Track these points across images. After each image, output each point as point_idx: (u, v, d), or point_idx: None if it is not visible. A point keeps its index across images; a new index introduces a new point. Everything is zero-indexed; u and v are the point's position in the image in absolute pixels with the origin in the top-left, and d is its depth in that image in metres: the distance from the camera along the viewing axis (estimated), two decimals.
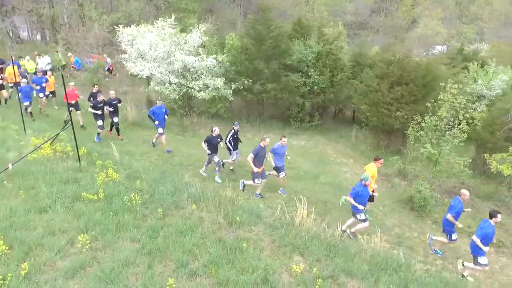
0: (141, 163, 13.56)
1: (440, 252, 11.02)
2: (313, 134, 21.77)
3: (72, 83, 18.46)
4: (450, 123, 14.08)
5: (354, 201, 10.57)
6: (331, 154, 18.74)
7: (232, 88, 20.93)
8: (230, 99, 21.17)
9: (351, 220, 11.14)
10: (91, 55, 29.78)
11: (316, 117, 22.80)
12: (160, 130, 15.94)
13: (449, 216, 10.54)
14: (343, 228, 10.67)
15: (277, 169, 13.26)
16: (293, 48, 22.51)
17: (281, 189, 13.31)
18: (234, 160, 14.62)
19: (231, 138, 14.40)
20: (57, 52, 29.15)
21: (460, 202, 10.56)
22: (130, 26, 22.91)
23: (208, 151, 13.72)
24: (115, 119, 17.10)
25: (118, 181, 10.59)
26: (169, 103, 21.30)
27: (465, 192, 10.63)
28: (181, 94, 20.54)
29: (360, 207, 10.48)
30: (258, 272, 7.93)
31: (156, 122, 15.80)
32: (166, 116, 16.25)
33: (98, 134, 16.39)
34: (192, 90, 20.24)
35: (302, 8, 51.90)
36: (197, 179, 12.14)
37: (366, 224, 10.78)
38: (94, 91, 18.05)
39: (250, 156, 12.44)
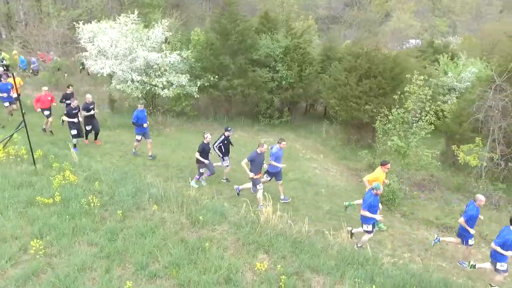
0: (101, 164, 13.44)
1: (466, 264, 10.60)
2: (283, 131, 21.94)
3: (45, 88, 17.63)
4: (417, 115, 14.43)
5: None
6: (300, 150, 18.95)
7: (198, 85, 20.92)
8: (195, 96, 21.14)
9: (359, 230, 10.96)
10: (38, 54, 29.23)
11: (286, 113, 22.99)
12: (139, 137, 15.34)
13: (460, 220, 10.38)
14: (359, 244, 10.54)
15: (276, 175, 12.99)
16: (260, 42, 22.64)
17: (282, 196, 13.04)
18: (228, 166, 14.28)
19: (220, 144, 14.07)
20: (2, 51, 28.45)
21: (475, 208, 10.23)
22: (91, 23, 22.64)
23: (206, 160, 13.23)
24: (88, 127, 16.18)
25: (76, 184, 10.49)
26: (131, 101, 21.15)
27: (480, 197, 10.27)
28: (144, 92, 20.42)
29: (378, 217, 10.32)
30: (221, 272, 8.00)
31: (145, 125, 15.13)
32: (147, 122, 15.63)
33: (75, 145, 15.40)
34: (156, 87, 20.14)
35: (273, 2, 52.14)
36: (160, 179, 12.12)
37: (371, 235, 10.67)
38: (68, 92, 17.52)
39: (244, 161, 12.17)
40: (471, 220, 10.22)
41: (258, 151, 12.22)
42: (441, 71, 28.43)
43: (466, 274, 10.43)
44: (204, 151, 13.26)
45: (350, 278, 8.32)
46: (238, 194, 12.86)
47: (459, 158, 15.31)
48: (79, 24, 22.35)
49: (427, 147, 15.99)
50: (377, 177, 11.52)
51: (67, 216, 8.78)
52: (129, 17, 21.65)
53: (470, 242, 10.52)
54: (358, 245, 10.48)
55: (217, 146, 14.04)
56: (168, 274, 7.82)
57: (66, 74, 28.12)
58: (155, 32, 21.03)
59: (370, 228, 10.49)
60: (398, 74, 18.62)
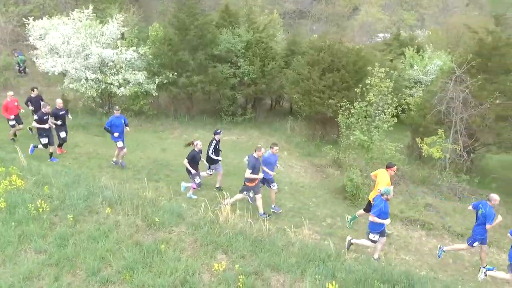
0: (52, 168, 13.20)
1: (491, 267, 10.56)
2: (247, 128, 22.01)
3: (10, 93, 16.85)
4: (380, 108, 14.71)
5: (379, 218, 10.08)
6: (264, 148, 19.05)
7: (156, 82, 20.76)
8: (154, 94, 20.98)
9: (365, 242, 10.71)
10: None
11: (249, 110, 23.06)
12: (120, 144, 14.61)
13: (487, 226, 10.25)
14: (376, 257, 10.42)
15: (268, 182, 12.72)
16: (221, 37, 22.61)
17: (273, 205, 12.83)
18: (210, 175, 13.75)
19: (213, 150, 13.37)
20: None
21: (492, 208, 10.26)
22: (42, 19, 22.16)
23: (193, 170, 12.67)
24: (62, 134, 15.45)
25: (23, 189, 10.31)
26: (86, 101, 20.83)
27: (494, 196, 10.33)
28: (99, 91, 20.14)
29: (387, 221, 10.08)
30: (177, 274, 8.01)
31: (116, 134, 14.41)
32: (127, 128, 15.01)
33: (51, 154, 14.79)
34: (112, 86, 19.89)
35: None
36: (115, 181, 12.01)
37: (383, 241, 10.49)
38: (33, 95, 16.84)
39: (249, 172, 11.80)
40: (490, 221, 10.24)
41: (256, 156, 12.01)
42: (407, 64, 29.04)
43: (429, 266, 10.72)
44: (194, 159, 12.74)
45: (310, 275, 8.45)
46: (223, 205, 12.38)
47: (423, 151, 15.70)
48: (28, 20, 21.86)
49: (394, 141, 16.34)
50: (388, 182, 11.28)
51: (13, 223, 8.62)
52: (83, 12, 21.30)
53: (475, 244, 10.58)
54: (375, 258, 10.32)
55: (212, 153, 13.32)
56: (121, 278, 7.78)
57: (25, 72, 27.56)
58: (109, 28, 20.75)
59: (376, 238, 10.29)
60: (362, 67, 18.92)
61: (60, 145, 15.72)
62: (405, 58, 29.65)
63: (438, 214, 13.52)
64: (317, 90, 19.13)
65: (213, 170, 13.62)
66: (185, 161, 12.67)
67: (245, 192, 12.08)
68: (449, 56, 27.79)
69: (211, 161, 13.41)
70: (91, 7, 21.76)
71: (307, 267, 8.82)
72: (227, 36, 22.73)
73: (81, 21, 20.82)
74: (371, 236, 10.31)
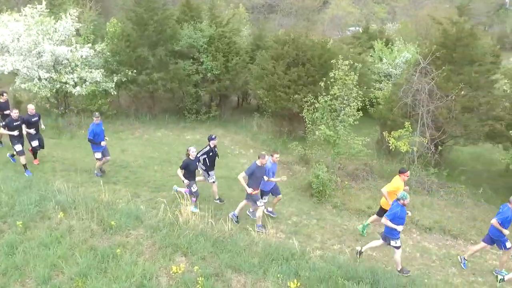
0: (2, 173, 13.00)
1: (506, 272, 10.73)
2: (211, 127, 21.97)
3: None
4: (345, 102, 14.90)
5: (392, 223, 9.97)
6: (228, 147, 19.06)
7: (115, 80, 20.52)
8: (112, 93, 20.74)
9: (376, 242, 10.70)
10: None
11: (214, 107, 23.02)
12: (98, 155, 13.89)
13: (493, 221, 10.27)
14: (398, 268, 10.25)
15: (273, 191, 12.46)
16: (182, 32, 22.49)
17: (270, 209, 12.73)
18: (214, 182, 13.19)
19: (204, 156, 12.84)
20: None
21: (509, 210, 10.25)
22: None
23: (186, 181, 12.08)
24: (35, 143, 14.57)
25: None
26: (40, 102, 20.45)
27: None
28: (54, 91, 19.79)
29: (400, 228, 9.94)
30: (134, 279, 8.00)
31: (103, 143, 13.77)
32: (106, 138, 14.29)
33: (25, 165, 13.94)
34: (67, 85, 19.57)
35: None
36: (70, 184, 11.85)
37: (400, 250, 10.29)
38: (1, 101, 15.91)
39: (242, 175, 11.44)
40: (507, 222, 10.24)
41: (258, 163, 11.50)
42: (376, 57, 29.45)
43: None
44: (188, 168, 12.15)
45: (273, 275, 8.53)
46: (237, 222, 11.90)
47: (390, 145, 15.97)
48: None
49: (363, 136, 16.54)
50: (397, 187, 11.16)
51: None
52: (35, 8, 20.86)
53: (508, 245, 10.55)
54: (398, 270, 10.21)
55: (201, 159, 12.83)
56: (74, 285, 7.72)
57: None
58: (63, 24, 20.39)
59: (398, 243, 10.12)
60: (327, 61, 19.03)
61: (34, 155, 15.02)
62: (374, 52, 30.07)
63: (406, 208, 13.78)
64: (282, 85, 19.21)
65: (213, 177, 13.12)
66: (178, 171, 12.12)
67: (258, 202, 11.56)
68: (418, 49, 28.31)
69: (206, 168, 12.95)
70: (44, 2, 21.32)
71: (269, 266, 8.92)
72: (188, 31, 22.63)
73: (33, 18, 20.39)
74: (393, 243, 10.16)
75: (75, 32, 21.73)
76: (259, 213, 11.56)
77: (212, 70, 22.03)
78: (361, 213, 13.32)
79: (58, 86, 19.67)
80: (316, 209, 13.34)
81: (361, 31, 38.53)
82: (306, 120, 16.11)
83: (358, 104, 14.86)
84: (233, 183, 14.53)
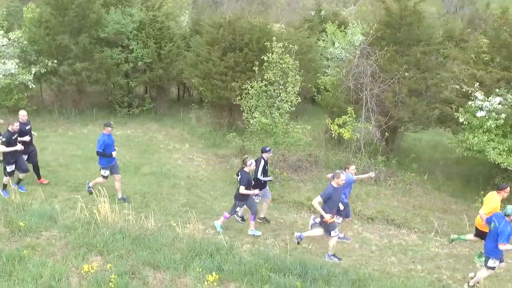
0: None
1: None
2: (145, 121, 22.21)
3: None
4: (281, 87, 15.41)
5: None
6: (162, 141, 19.36)
7: (33, 72, 20.43)
8: (30, 86, 20.62)
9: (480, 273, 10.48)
10: None
11: (148, 100, 23.23)
12: (106, 172, 12.98)
13: (500, 246, 9.87)
14: (471, 283, 10.36)
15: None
16: (108, 17, 22.54)
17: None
18: (268, 197, 12.80)
19: (262, 171, 12.29)
20: None
21: (509, 224, 9.92)
22: None
23: (255, 191, 11.88)
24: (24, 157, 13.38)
25: None
26: None
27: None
28: None
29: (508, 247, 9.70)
30: (41, 280, 8.25)
31: (114, 154, 12.87)
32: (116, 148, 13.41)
33: (19, 181, 13.16)
34: None
35: None
36: None
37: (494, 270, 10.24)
38: None
39: (318, 200, 10.64)
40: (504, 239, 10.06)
41: (335, 185, 10.77)
42: (329, 41, 30.08)
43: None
44: (249, 183, 11.73)
45: (194, 270, 8.95)
46: (298, 243, 11.51)
47: (332, 132, 16.64)
48: None
49: (315, 126, 17.14)
50: (495, 207, 10.75)
51: None
52: None
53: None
54: (470, 285, 10.36)
55: (262, 174, 12.26)
56: None
57: None
58: None
59: (497, 263, 10.02)
60: (267, 45, 19.53)
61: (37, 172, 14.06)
62: (327, 35, 30.69)
63: (350, 199, 14.47)
64: (218, 73, 19.54)
65: (260, 197, 12.56)
66: (242, 189, 11.53)
67: (333, 232, 10.92)
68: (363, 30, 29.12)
69: (259, 185, 12.32)
70: None
71: (191, 262, 9.32)
72: (116, 16, 22.69)
73: None
74: (491, 262, 10.03)
75: None
76: (332, 242, 11.08)
77: (143, 58, 22.21)
78: (300, 206, 13.91)
79: None
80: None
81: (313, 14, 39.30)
82: (244, 108, 16.51)
83: (295, 90, 15.38)
84: (163, 179, 14.91)
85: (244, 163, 11.76)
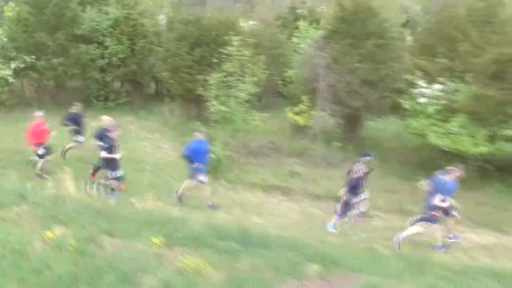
0: None
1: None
2: (121, 114, 23.13)
3: (39, 113, 14.95)
4: (240, 78, 16.57)
5: None
6: (134, 132, 20.43)
7: (12, 67, 21.38)
8: (9, 81, 21.56)
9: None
10: None
11: (122, 94, 24.29)
12: (203, 178, 13.13)
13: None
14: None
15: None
16: (84, 15, 23.55)
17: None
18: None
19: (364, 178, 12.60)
20: None
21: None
22: None
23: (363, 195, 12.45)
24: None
25: None
26: None
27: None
28: None
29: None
30: (9, 245, 9.28)
31: (199, 165, 12.93)
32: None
33: (112, 189, 13.44)
34: None
35: None
36: None
37: None
38: (74, 111, 16.18)
39: (440, 198, 11.07)
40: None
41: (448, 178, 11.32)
42: (302, 37, 31.14)
43: (279, 227, 12.62)
44: (358, 185, 12.30)
45: (145, 237, 10.04)
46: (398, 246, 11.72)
47: (290, 120, 17.83)
48: None
49: (282, 120, 18.16)
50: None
51: None
52: None
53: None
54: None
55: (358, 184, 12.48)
56: None
57: None
58: None
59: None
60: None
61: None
62: (300, 32, 31.73)
63: (303, 181, 15.66)
64: (185, 66, 20.71)
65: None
66: (342, 191, 12.35)
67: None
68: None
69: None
70: None
71: (145, 230, 10.41)
72: (91, 14, 23.71)
73: None
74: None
75: None
76: (438, 233, 11.55)
77: (117, 54, 23.26)
78: (255, 186, 15.06)
79: None
80: (210, 184, 14.93)
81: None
82: (207, 99, 17.63)
83: (253, 80, 16.53)
84: (130, 164, 15.99)
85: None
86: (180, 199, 13.39)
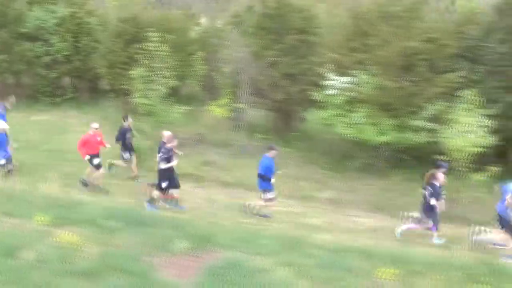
0: None
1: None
2: (66, 109, 24.03)
3: (95, 125, 15.35)
4: (160, 72, 17.47)
5: None
6: (74, 125, 21.29)
7: None
8: None
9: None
10: None
11: (69, 90, 25.13)
12: (271, 195, 13.37)
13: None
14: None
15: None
16: (30, 14, 24.35)
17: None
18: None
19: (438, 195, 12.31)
20: None
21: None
22: None
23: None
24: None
25: None
26: None
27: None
28: None
29: None
30: None
31: (272, 181, 13.26)
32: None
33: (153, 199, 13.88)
34: None
35: None
36: None
37: None
38: (126, 126, 16.31)
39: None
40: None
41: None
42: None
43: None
44: (439, 195, 12.23)
45: (38, 217, 10.98)
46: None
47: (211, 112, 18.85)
48: None
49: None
50: None
51: None
52: None
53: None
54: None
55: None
56: None
57: None
58: None
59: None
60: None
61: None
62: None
63: (216, 169, 16.67)
64: (121, 62, 21.61)
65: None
66: (433, 201, 12.07)
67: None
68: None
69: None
70: None
71: (44, 212, 11.37)
72: (36, 13, 24.49)
73: None
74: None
75: None
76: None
77: (62, 51, 24.13)
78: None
79: None
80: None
81: None
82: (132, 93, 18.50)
83: (171, 74, 17.47)
84: (58, 154, 16.91)
85: (433, 177, 12.23)
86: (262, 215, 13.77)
